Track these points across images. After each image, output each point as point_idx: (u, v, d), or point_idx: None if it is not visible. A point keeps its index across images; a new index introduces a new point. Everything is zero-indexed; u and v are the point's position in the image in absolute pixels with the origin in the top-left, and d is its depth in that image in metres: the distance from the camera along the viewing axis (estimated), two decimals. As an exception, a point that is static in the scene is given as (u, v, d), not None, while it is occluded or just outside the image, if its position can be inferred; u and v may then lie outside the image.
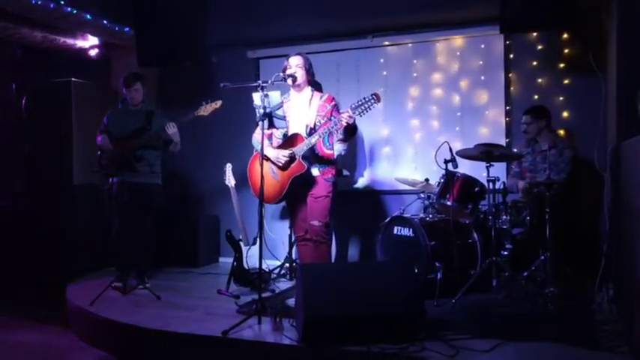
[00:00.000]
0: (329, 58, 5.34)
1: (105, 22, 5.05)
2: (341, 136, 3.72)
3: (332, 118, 3.76)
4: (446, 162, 3.90)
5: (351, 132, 3.69)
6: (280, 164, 3.73)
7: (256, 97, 3.68)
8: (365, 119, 3.69)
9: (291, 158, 3.72)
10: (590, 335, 2.97)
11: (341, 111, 3.65)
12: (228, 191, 4.54)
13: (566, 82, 4.60)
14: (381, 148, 5.24)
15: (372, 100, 3.51)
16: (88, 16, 4.86)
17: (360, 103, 3.53)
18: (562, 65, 4.62)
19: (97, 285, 4.14)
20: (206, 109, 4.16)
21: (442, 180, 3.97)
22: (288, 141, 3.79)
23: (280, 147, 3.80)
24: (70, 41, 5.44)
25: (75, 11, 4.74)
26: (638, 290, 2.45)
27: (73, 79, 5.22)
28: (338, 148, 3.89)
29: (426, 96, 5.09)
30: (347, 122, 3.55)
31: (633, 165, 2.69)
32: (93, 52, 5.62)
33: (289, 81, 3.78)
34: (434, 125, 5.05)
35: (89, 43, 5.53)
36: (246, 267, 4.24)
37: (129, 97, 4.40)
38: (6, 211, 5.34)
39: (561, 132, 4.55)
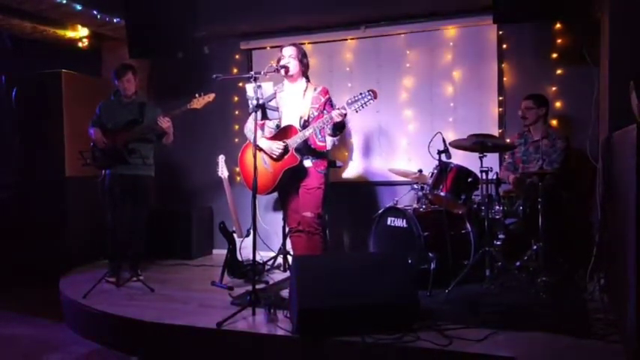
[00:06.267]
0: (322, 48, 5.32)
1: (95, 12, 4.99)
2: (329, 132, 3.71)
3: (324, 111, 3.74)
4: (439, 153, 3.90)
5: (339, 128, 3.68)
6: (275, 156, 3.72)
7: (249, 88, 3.65)
8: (358, 110, 3.68)
9: (285, 150, 3.70)
10: (582, 324, 2.99)
11: (336, 107, 3.63)
12: (221, 183, 4.53)
13: (558, 72, 4.61)
14: (374, 139, 5.24)
15: (369, 97, 3.49)
16: (78, 7, 4.81)
17: (356, 98, 3.51)
18: (555, 55, 4.62)
19: (90, 278, 4.14)
20: (199, 102, 4.11)
21: (435, 171, 3.97)
22: (281, 132, 3.78)
23: (273, 138, 3.79)
24: (60, 32, 5.38)
25: (65, 1, 4.69)
26: (628, 279, 2.47)
27: (63, 70, 5.17)
28: (330, 140, 3.89)
29: (419, 86, 5.08)
30: (338, 119, 3.54)
31: (624, 155, 2.70)
32: (83, 43, 5.57)
33: (282, 72, 3.76)
34: (427, 116, 5.05)
35: (79, 34, 5.47)
36: (239, 259, 4.24)
37: (121, 88, 4.37)
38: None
39: (554, 122, 4.56)
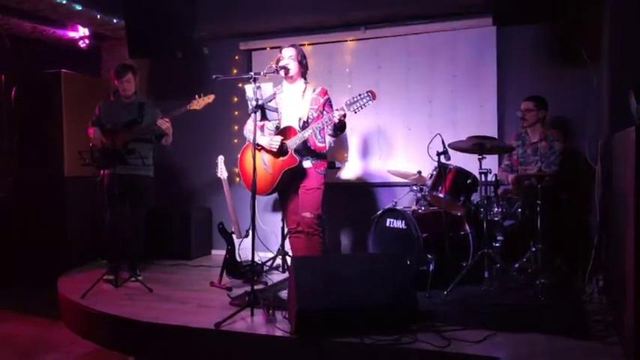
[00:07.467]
0: (321, 49, 5.32)
1: (95, 12, 4.99)
2: (330, 132, 3.72)
3: (324, 112, 3.75)
4: (438, 154, 3.90)
5: (340, 129, 3.69)
6: (274, 149, 3.72)
7: (248, 88, 3.66)
8: (358, 111, 3.68)
9: (284, 150, 3.70)
10: (581, 325, 2.99)
11: (335, 108, 3.63)
12: (221, 183, 4.53)
13: (557, 74, 4.61)
14: (373, 141, 5.24)
15: (368, 97, 3.49)
16: (78, 7, 4.81)
17: (355, 99, 3.51)
18: (554, 57, 4.62)
19: (88, 278, 4.13)
20: (198, 103, 4.11)
21: (434, 172, 3.97)
22: (281, 133, 3.78)
23: (273, 140, 3.79)
24: (60, 32, 5.38)
25: (64, 1, 4.69)
26: (626, 281, 2.47)
27: (63, 70, 5.17)
28: (328, 141, 3.90)
29: (418, 88, 5.08)
30: (339, 120, 3.54)
31: (624, 156, 2.70)
32: (83, 44, 5.57)
33: (282, 73, 3.76)
34: (426, 117, 5.05)
35: (79, 34, 5.47)
36: (238, 259, 4.24)
37: (120, 88, 4.37)
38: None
39: (552, 124, 4.56)
